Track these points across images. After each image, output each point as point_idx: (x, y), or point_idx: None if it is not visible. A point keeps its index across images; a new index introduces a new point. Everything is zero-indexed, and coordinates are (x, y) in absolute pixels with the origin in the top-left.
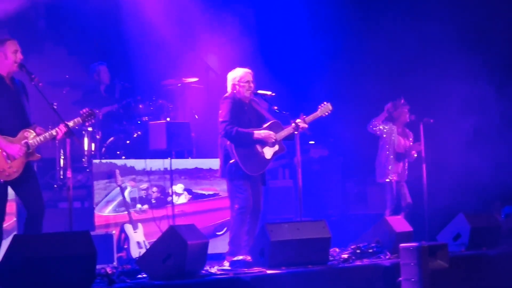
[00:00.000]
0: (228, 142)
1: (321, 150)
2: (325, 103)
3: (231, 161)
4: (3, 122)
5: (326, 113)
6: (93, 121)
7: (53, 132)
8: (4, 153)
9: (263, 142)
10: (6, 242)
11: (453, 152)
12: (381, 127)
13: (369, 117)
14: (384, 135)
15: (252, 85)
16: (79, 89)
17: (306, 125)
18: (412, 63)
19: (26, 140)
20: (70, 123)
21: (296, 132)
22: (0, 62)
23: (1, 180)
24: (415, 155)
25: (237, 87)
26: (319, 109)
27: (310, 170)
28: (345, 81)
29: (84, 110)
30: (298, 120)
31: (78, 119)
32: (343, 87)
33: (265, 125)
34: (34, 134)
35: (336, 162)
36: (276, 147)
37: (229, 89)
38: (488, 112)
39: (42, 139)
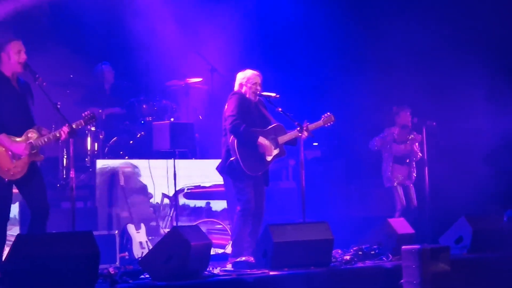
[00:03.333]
0: (231, 139)
1: (313, 152)
2: (328, 113)
3: (231, 158)
4: (9, 122)
5: (329, 124)
6: (94, 123)
7: (57, 133)
8: (9, 152)
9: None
10: None
11: (455, 155)
12: (379, 143)
13: (373, 119)
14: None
15: (259, 87)
16: (83, 89)
17: (309, 133)
18: (417, 66)
19: (30, 141)
20: (72, 126)
21: (300, 134)
22: (4, 63)
23: (6, 180)
24: (419, 154)
25: (244, 87)
26: (322, 119)
27: (313, 171)
28: (349, 84)
29: (86, 113)
30: (302, 126)
31: (80, 122)
32: (348, 90)
33: (268, 127)
34: (38, 134)
35: (339, 164)
36: (277, 150)
37: (236, 87)
38: (490, 114)
39: (46, 140)
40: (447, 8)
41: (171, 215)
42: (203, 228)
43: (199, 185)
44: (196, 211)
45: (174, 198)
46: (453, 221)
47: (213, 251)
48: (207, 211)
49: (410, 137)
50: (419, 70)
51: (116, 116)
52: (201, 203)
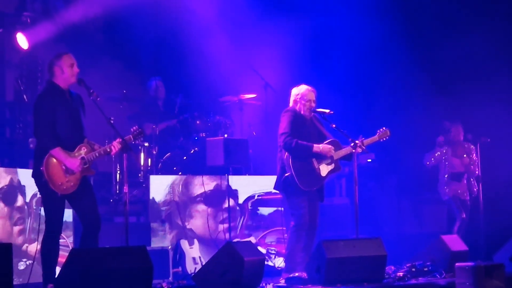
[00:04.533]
0: (285, 155)
1: (367, 155)
2: (383, 128)
3: (286, 174)
4: (63, 136)
5: (384, 138)
6: (142, 139)
7: (107, 148)
8: (63, 166)
9: (320, 158)
10: None
11: (510, 171)
12: (432, 159)
13: (426, 135)
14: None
15: (313, 104)
16: (136, 103)
17: (364, 148)
18: (471, 82)
19: (83, 155)
20: (125, 139)
21: (354, 150)
22: (57, 76)
23: (59, 194)
24: (475, 170)
25: (298, 104)
26: (377, 134)
27: (366, 187)
28: (401, 100)
29: (134, 128)
30: (356, 141)
31: (129, 137)
32: (399, 106)
33: (324, 143)
34: (90, 149)
35: (392, 180)
36: (332, 166)
37: (291, 103)
38: None
39: (97, 154)
40: (501, 22)
41: (241, 223)
42: (273, 237)
43: (270, 192)
44: (267, 218)
45: (242, 206)
46: (507, 238)
47: (282, 262)
48: (279, 219)
49: (464, 153)
50: (473, 86)
51: (170, 132)
52: (271, 210)
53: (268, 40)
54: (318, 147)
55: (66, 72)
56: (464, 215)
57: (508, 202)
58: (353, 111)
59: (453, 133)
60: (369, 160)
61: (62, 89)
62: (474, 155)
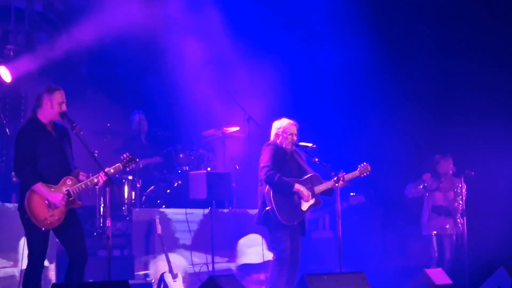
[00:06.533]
0: (266, 189)
1: (359, 197)
2: (364, 163)
3: (267, 208)
4: (45, 170)
5: (365, 174)
6: (133, 166)
7: (95, 179)
8: (46, 201)
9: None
10: None
11: (494, 205)
12: (413, 191)
13: (410, 168)
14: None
15: (295, 138)
16: (120, 137)
17: (345, 182)
18: (455, 115)
19: (68, 188)
20: (111, 170)
21: (337, 185)
22: (44, 110)
23: (42, 229)
24: (460, 206)
25: (280, 137)
26: (358, 169)
27: (350, 220)
28: (386, 132)
29: (124, 155)
30: (339, 175)
31: (118, 165)
32: (385, 138)
33: (305, 177)
34: (76, 181)
35: (376, 213)
36: (313, 200)
37: (272, 137)
38: None
39: (83, 186)
40: (487, 54)
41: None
42: None
43: None
44: None
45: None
46: (492, 272)
47: None
48: None
49: (450, 188)
50: (457, 118)
51: (153, 165)
52: None
53: (251, 73)
54: (299, 188)
55: (55, 109)
56: (437, 255)
57: (492, 236)
58: (335, 145)
59: (442, 166)
60: (352, 194)
61: (43, 123)
62: (461, 190)
